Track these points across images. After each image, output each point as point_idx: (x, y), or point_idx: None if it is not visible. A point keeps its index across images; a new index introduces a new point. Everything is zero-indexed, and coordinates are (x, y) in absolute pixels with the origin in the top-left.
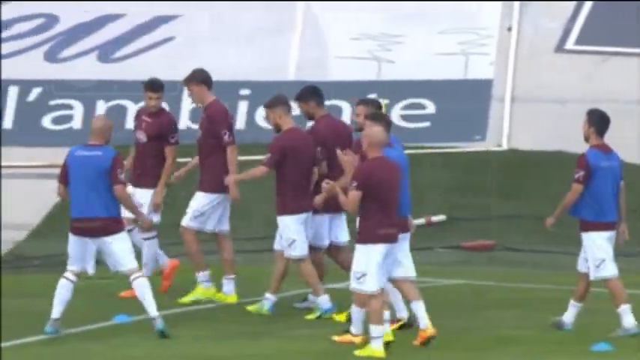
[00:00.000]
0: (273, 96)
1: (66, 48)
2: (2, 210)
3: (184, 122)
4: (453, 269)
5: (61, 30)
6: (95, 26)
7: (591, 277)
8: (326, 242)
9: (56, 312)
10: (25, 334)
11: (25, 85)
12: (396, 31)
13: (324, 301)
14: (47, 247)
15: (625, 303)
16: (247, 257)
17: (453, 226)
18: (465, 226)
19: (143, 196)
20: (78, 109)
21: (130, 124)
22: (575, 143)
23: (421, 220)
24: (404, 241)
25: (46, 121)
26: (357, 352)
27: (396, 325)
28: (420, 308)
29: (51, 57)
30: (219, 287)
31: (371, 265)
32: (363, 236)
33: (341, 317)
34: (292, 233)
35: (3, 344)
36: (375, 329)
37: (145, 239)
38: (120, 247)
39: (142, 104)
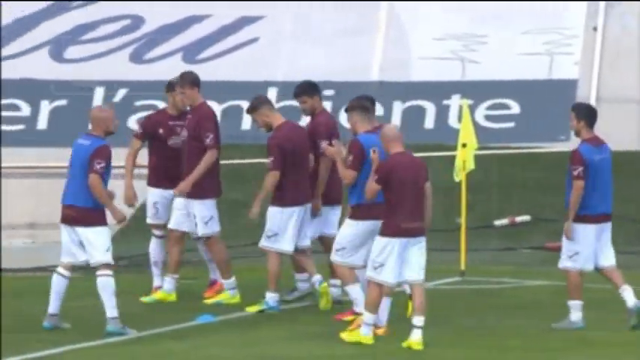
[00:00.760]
0: (252, 100)
1: (151, 49)
2: None
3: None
4: (536, 270)
5: (146, 31)
6: (180, 27)
7: (559, 266)
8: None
9: (53, 307)
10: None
11: (111, 86)
12: (480, 32)
13: (318, 279)
14: (134, 247)
15: (577, 300)
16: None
17: (537, 226)
18: (548, 227)
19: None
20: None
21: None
22: None
23: (505, 221)
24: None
25: (132, 122)
26: (343, 335)
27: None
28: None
29: (136, 58)
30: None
31: (390, 258)
32: (384, 229)
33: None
34: (274, 225)
35: (85, 344)
36: (368, 316)
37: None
38: (94, 239)
39: (226, 105)
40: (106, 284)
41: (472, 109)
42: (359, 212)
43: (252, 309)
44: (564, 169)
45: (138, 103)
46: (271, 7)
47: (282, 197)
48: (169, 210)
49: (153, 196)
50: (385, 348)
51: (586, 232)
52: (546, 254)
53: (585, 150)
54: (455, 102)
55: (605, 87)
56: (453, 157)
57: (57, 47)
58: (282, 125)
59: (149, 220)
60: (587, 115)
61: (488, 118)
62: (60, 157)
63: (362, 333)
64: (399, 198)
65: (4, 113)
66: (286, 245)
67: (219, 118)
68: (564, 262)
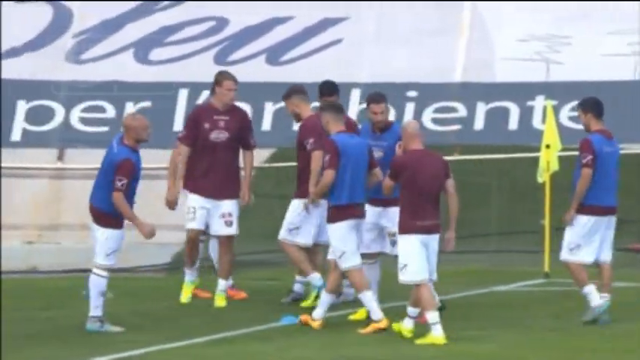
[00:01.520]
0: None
1: (235, 50)
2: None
3: None
4: (621, 271)
5: (230, 33)
6: (264, 29)
7: (560, 258)
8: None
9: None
10: (193, 334)
11: (195, 88)
12: (564, 32)
13: (315, 278)
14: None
15: (587, 286)
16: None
17: (622, 227)
18: (633, 228)
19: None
20: (247, 111)
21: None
22: None
23: None
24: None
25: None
26: (418, 341)
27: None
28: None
29: (220, 59)
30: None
31: (411, 256)
32: (401, 227)
33: (359, 315)
34: (296, 219)
35: (171, 345)
36: (431, 316)
37: None
38: (100, 240)
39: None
40: (95, 283)
41: (556, 110)
42: (336, 214)
43: (307, 303)
44: None
45: None
46: (354, 9)
47: (306, 191)
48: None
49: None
50: (467, 349)
51: (590, 223)
52: (631, 256)
53: (596, 140)
54: (539, 103)
55: None
56: (537, 159)
57: (142, 49)
58: (311, 117)
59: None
60: (593, 107)
61: (572, 119)
62: (145, 159)
63: (433, 334)
64: (412, 195)
65: (90, 114)
66: (305, 239)
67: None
68: (567, 256)
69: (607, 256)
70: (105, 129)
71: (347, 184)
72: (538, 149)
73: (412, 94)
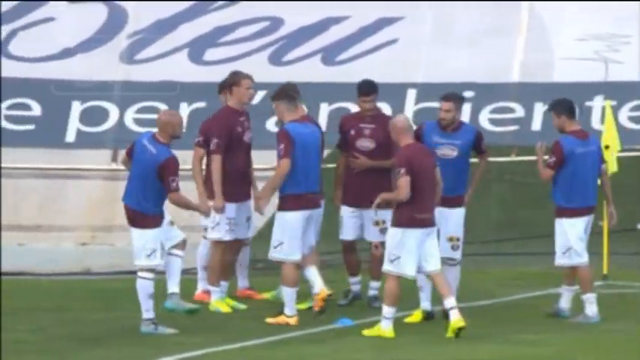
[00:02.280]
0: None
1: (290, 51)
2: None
3: None
4: None
5: (285, 33)
6: (319, 28)
7: (555, 263)
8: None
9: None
10: (247, 336)
11: None
12: (623, 31)
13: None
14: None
15: (590, 292)
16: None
17: None
18: None
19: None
20: None
21: None
22: None
23: None
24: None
25: (270, 124)
26: (365, 332)
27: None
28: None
29: (275, 60)
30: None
31: (406, 250)
32: (398, 220)
33: (414, 318)
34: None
35: (227, 347)
36: (387, 310)
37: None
38: (135, 241)
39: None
40: (141, 286)
41: (615, 110)
42: (289, 203)
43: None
44: None
45: None
46: (411, 8)
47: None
48: None
49: None
50: (524, 352)
51: (572, 225)
52: None
53: (567, 142)
54: (598, 103)
55: None
56: None
57: (196, 49)
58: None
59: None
60: (566, 108)
61: (631, 119)
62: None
63: (382, 327)
64: (416, 187)
65: (144, 115)
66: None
67: None
68: (560, 260)
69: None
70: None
71: (301, 172)
72: None
73: (469, 94)
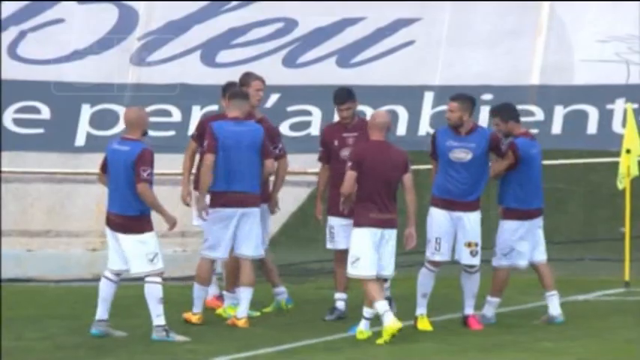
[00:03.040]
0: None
1: (305, 53)
2: None
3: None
4: None
5: (299, 34)
6: (334, 30)
7: (494, 264)
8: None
9: (100, 313)
10: (259, 345)
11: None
12: None
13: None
14: (285, 256)
15: (553, 290)
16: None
17: None
18: None
19: None
20: (316, 116)
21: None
22: None
23: None
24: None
25: (284, 128)
26: (379, 341)
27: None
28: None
29: (289, 62)
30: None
31: (364, 250)
32: (356, 219)
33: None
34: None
35: (241, 355)
36: (380, 305)
37: None
38: (129, 248)
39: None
40: (150, 291)
41: (637, 113)
42: (212, 201)
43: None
44: None
45: (290, 109)
46: (428, 9)
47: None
48: None
49: None
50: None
51: (522, 226)
52: None
53: (522, 143)
54: (619, 106)
55: None
56: (617, 164)
57: (208, 51)
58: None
59: None
60: (511, 113)
61: None
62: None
63: (386, 323)
64: (366, 186)
65: (155, 118)
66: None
67: None
68: (499, 260)
69: (542, 255)
70: (171, 133)
71: (222, 170)
72: (618, 154)
73: (487, 97)
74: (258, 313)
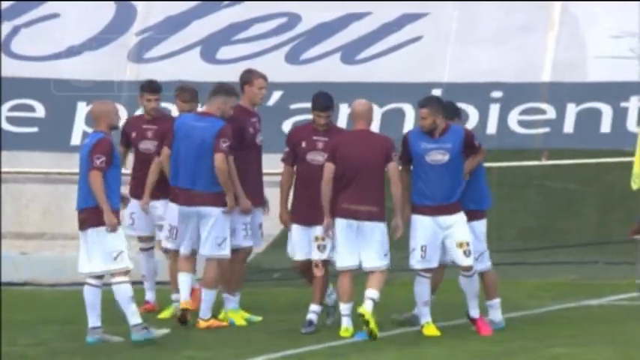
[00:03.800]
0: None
1: (308, 49)
2: None
3: None
4: None
5: (302, 30)
6: (339, 26)
7: (477, 268)
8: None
9: (91, 320)
10: (260, 351)
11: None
12: None
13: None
14: (287, 259)
15: (496, 298)
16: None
17: None
18: None
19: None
20: None
21: (385, 128)
22: None
23: None
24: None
25: (287, 126)
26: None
27: None
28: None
29: (292, 58)
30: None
31: (338, 241)
32: (332, 210)
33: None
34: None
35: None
36: (344, 307)
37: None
38: (99, 243)
39: (387, 108)
40: (118, 292)
41: None
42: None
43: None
44: None
45: (293, 106)
46: (435, 4)
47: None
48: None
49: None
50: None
51: (483, 227)
52: None
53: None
54: (634, 104)
55: None
56: (631, 164)
57: (209, 47)
58: None
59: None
60: (456, 111)
61: None
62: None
63: (343, 325)
64: (342, 176)
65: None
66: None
67: (378, 121)
68: (482, 264)
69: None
70: None
71: (173, 164)
72: (632, 154)
73: (497, 94)
74: (260, 318)
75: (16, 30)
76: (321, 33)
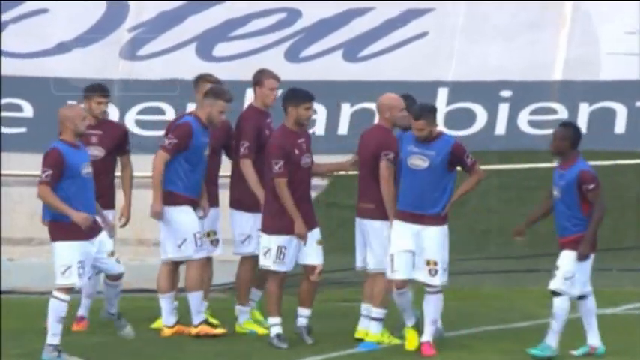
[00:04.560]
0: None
1: (308, 46)
2: None
3: None
4: None
5: (303, 26)
6: (341, 21)
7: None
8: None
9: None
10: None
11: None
12: None
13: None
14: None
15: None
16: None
17: None
18: None
19: None
20: (321, 113)
21: None
22: None
23: None
24: None
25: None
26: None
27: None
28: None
29: (292, 56)
30: None
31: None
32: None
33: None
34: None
35: None
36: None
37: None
38: (55, 257)
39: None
40: (53, 307)
41: None
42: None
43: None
44: None
45: None
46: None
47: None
48: None
49: None
50: None
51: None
52: None
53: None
54: None
55: None
56: None
57: (205, 44)
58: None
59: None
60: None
61: None
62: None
63: (372, 331)
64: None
65: (146, 117)
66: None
67: None
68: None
69: None
70: (163, 133)
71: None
72: None
73: (506, 93)
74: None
75: (3, 25)
76: (322, 29)
